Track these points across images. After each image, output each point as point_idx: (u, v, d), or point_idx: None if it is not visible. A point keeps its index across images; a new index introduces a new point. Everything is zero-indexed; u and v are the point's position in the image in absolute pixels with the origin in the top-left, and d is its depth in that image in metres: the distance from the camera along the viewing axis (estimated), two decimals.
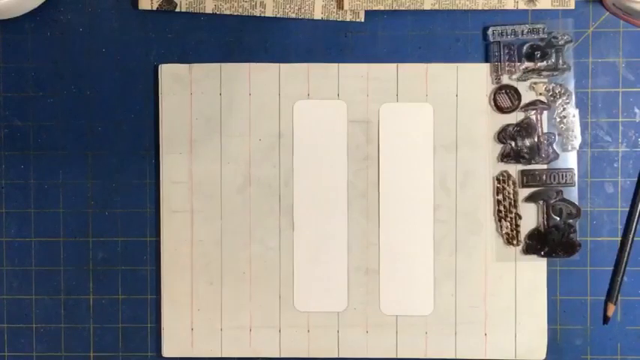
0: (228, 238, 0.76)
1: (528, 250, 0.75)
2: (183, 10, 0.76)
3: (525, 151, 0.75)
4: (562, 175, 0.75)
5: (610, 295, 0.76)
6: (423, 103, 0.76)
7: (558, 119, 0.75)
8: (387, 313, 0.76)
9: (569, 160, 0.75)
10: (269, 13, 0.76)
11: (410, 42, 0.76)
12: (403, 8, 0.75)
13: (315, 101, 0.76)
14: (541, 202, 0.75)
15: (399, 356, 0.76)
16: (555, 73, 0.75)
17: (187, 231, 0.77)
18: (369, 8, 0.75)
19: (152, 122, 0.77)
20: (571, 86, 0.75)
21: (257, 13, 0.76)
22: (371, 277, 0.76)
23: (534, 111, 0.75)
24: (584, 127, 0.76)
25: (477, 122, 0.76)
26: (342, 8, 0.75)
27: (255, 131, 0.76)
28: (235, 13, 0.76)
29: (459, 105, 0.76)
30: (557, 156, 0.75)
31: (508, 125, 0.75)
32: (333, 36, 0.76)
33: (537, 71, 0.75)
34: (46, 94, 0.77)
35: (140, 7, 0.76)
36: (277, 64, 0.76)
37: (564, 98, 0.75)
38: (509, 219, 0.75)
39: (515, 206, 0.75)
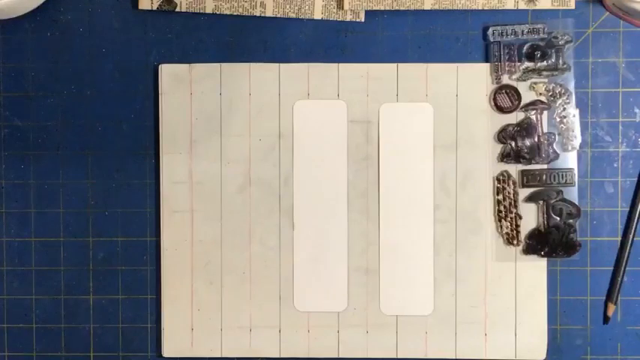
0: (228, 238, 0.76)
1: (528, 250, 0.75)
2: (183, 10, 0.76)
3: (525, 151, 0.75)
4: (562, 175, 0.75)
5: (610, 295, 0.76)
6: (423, 103, 0.76)
7: (558, 119, 0.75)
8: (387, 313, 0.76)
9: (569, 160, 0.75)
10: (269, 13, 0.76)
11: (410, 42, 0.76)
12: (403, 8, 0.75)
13: (315, 101, 0.76)
14: (541, 202, 0.75)
15: (399, 356, 0.76)
16: (555, 73, 0.75)
17: (187, 231, 0.77)
18: (369, 8, 0.75)
19: (152, 122, 0.77)
20: (571, 86, 0.75)
21: (257, 13, 0.76)
22: (371, 277, 0.76)
23: (534, 111, 0.75)
24: (584, 127, 0.76)
25: (477, 122, 0.76)
26: (342, 8, 0.75)
27: (255, 131, 0.76)
28: (235, 13, 0.76)
29: (459, 105, 0.76)
30: (557, 156, 0.75)
31: (508, 125, 0.75)
32: (333, 36, 0.76)
33: (537, 71, 0.75)
34: (46, 94, 0.77)
35: (140, 7, 0.76)
36: (277, 64, 0.76)
37: (564, 98, 0.75)
38: (509, 219, 0.75)
39: (516, 206, 0.75)
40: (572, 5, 0.75)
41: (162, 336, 0.77)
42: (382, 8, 0.75)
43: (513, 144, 0.75)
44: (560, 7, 0.75)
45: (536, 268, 0.75)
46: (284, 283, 0.76)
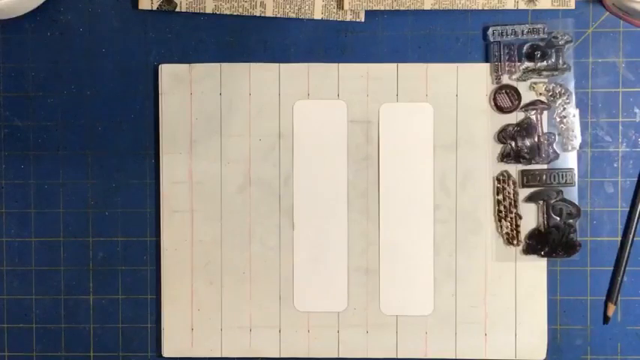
0: (228, 238, 0.76)
1: (528, 250, 0.75)
2: (183, 10, 0.76)
3: (525, 151, 0.75)
4: (562, 175, 0.75)
5: (610, 295, 0.76)
6: (423, 103, 0.76)
7: (558, 119, 0.75)
8: (387, 313, 0.76)
9: (569, 160, 0.75)
10: (269, 13, 0.76)
11: (410, 42, 0.76)
12: (403, 8, 0.75)
13: (315, 101, 0.76)
14: (541, 202, 0.75)
15: (399, 356, 0.76)
16: (555, 73, 0.75)
17: (187, 231, 0.77)
18: (369, 8, 0.75)
19: (152, 122, 0.77)
20: (571, 86, 0.75)
21: (257, 13, 0.76)
22: (371, 277, 0.76)
23: (534, 111, 0.75)
24: (584, 127, 0.76)
25: (477, 122, 0.76)
26: (342, 8, 0.75)
27: (255, 131, 0.76)
28: (235, 13, 0.76)
29: (459, 105, 0.76)
30: (557, 156, 0.75)
31: (508, 125, 0.75)
32: (333, 36, 0.76)
33: (537, 71, 0.75)
34: (46, 94, 0.77)
35: (140, 7, 0.76)
36: (277, 64, 0.76)
37: (564, 98, 0.75)
38: (509, 219, 0.75)
39: (516, 206, 0.75)
40: (572, 5, 0.75)
41: (162, 336, 0.77)
42: (382, 8, 0.75)
43: (513, 144, 0.75)
44: (560, 7, 0.75)
45: (536, 268, 0.75)
46: (284, 283, 0.76)
